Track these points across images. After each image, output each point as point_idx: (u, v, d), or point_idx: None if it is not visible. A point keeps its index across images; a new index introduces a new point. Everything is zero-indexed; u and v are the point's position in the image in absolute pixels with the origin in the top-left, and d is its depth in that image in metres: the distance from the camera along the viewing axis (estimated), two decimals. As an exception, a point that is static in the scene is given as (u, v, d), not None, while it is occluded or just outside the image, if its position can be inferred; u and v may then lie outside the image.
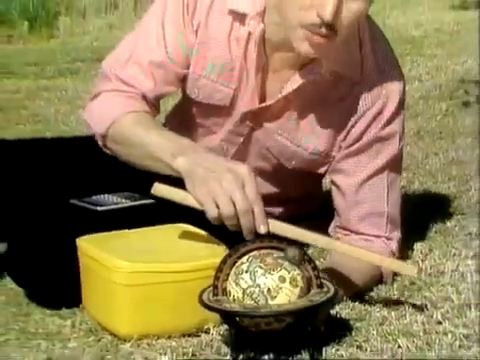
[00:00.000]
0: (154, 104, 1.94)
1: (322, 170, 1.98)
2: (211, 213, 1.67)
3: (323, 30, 1.71)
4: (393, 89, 1.93)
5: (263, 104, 1.90)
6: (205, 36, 1.90)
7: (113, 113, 1.90)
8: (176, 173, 1.75)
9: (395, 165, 1.96)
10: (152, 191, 1.72)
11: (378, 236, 1.94)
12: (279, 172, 1.99)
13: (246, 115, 1.91)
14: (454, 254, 2.06)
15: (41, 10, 5.98)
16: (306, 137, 1.92)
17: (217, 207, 1.67)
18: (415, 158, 2.83)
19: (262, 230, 1.67)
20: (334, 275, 1.70)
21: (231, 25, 1.88)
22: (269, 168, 1.99)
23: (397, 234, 1.96)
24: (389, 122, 1.92)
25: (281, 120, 1.91)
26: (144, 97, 1.91)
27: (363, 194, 1.93)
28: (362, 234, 1.94)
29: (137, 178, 1.86)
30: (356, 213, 1.94)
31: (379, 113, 1.91)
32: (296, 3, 1.72)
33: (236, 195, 1.67)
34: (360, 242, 1.92)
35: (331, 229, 1.99)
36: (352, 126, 1.91)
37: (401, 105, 1.95)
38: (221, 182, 1.68)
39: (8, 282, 1.92)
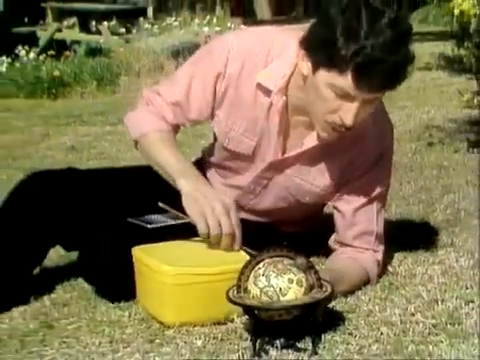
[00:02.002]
0: (174, 128, 1.91)
1: (327, 201, 1.95)
2: (202, 230, 1.72)
3: (342, 129, 1.70)
4: (387, 143, 1.92)
5: (285, 156, 1.85)
6: (235, 97, 1.83)
7: (144, 127, 1.89)
8: (177, 188, 1.78)
9: (383, 196, 1.94)
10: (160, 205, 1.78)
11: (367, 249, 1.91)
12: (294, 204, 1.95)
13: (271, 164, 1.87)
14: (423, 261, 2.05)
15: (106, 72, 5.98)
16: (317, 178, 1.88)
17: (207, 226, 1.71)
18: (392, 186, 2.76)
19: (236, 248, 1.73)
20: (331, 277, 1.68)
21: (256, 92, 1.81)
22: (287, 202, 1.94)
23: (382, 247, 1.94)
24: (381, 166, 1.90)
25: (298, 166, 1.87)
26: (166, 120, 1.89)
27: (358, 217, 1.90)
28: (355, 247, 1.91)
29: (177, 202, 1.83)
30: (351, 232, 1.91)
31: (375, 160, 1.87)
32: (324, 105, 1.68)
33: (223, 220, 1.71)
34: (353, 253, 1.91)
35: (331, 242, 1.96)
36: (354, 168, 1.87)
37: (391, 152, 1.94)
38: (212, 208, 1.71)
39: (80, 282, 1.93)
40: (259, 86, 1.80)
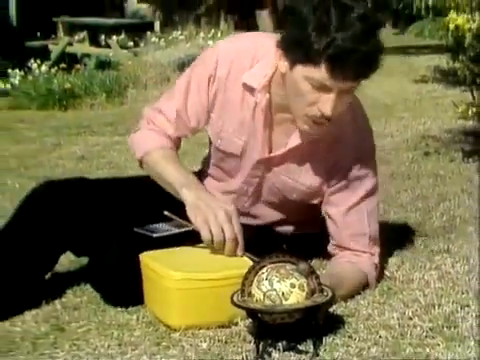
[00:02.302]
0: (175, 141, 1.94)
1: (316, 201, 1.94)
2: (206, 237, 1.73)
3: (322, 120, 1.71)
4: (366, 143, 1.91)
5: (272, 154, 1.87)
6: (224, 99, 1.87)
7: (147, 146, 1.92)
8: (181, 199, 1.79)
9: (371, 196, 1.92)
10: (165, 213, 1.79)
11: (364, 252, 1.91)
12: (285, 203, 1.95)
13: (259, 162, 1.88)
14: (420, 266, 2.04)
15: (115, 84, 5.98)
16: (303, 177, 1.89)
17: (210, 233, 1.72)
18: (390, 194, 2.80)
19: (239, 253, 1.73)
20: (331, 282, 1.68)
21: (243, 93, 1.84)
22: (278, 200, 1.95)
23: (377, 249, 1.93)
24: (363, 166, 1.89)
25: (285, 165, 1.88)
26: (168, 136, 1.92)
27: (349, 219, 1.89)
28: (353, 250, 1.91)
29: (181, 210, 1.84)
30: (345, 233, 1.90)
31: (356, 161, 1.87)
32: (303, 99, 1.70)
33: (225, 226, 1.72)
34: (351, 257, 1.90)
35: (330, 248, 1.96)
36: (337, 169, 1.87)
37: (372, 154, 1.93)
38: (215, 215, 1.73)
39: (90, 286, 1.92)
40: (244, 86, 1.83)
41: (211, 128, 1.91)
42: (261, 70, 1.81)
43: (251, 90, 1.82)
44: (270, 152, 1.87)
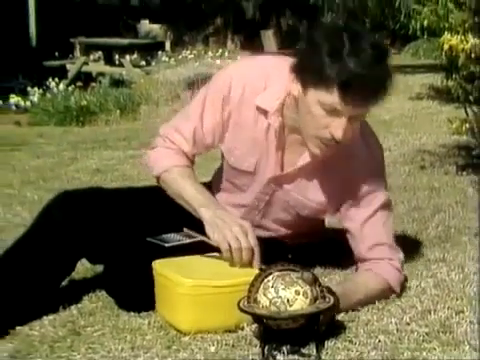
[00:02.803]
0: (191, 158, 1.94)
1: (324, 216, 1.95)
2: (225, 248, 1.73)
3: (332, 143, 1.70)
4: (376, 160, 1.90)
5: (283, 172, 1.86)
6: (238, 120, 1.86)
7: (164, 163, 1.92)
8: (199, 217, 1.80)
9: (385, 209, 1.90)
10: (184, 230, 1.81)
11: (382, 259, 1.87)
12: (295, 218, 1.95)
13: (271, 180, 1.88)
14: (417, 274, 2.04)
15: (128, 101, 5.99)
16: (314, 194, 1.88)
17: (229, 247, 1.72)
18: None
19: (257, 266, 1.72)
20: (344, 288, 1.69)
21: (256, 114, 1.83)
22: (288, 215, 1.95)
23: (398, 255, 1.90)
24: (374, 182, 1.88)
25: (295, 182, 1.87)
26: (184, 153, 1.92)
27: (365, 231, 1.87)
28: (371, 259, 1.87)
29: (192, 222, 1.85)
30: (363, 246, 1.88)
31: (367, 177, 1.86)
32: (315, 122, 1.69)
33: (242, 239, 1.73)
34: (370, 265, 1.87)
35: (355, 260, 1.93)
36: (351, 185, 1.85)
37: (382, 170, 1.93)
38: (232, 230, 1.73)
39: (105, 293, 1.91)
40: (258, 108, 1.82)
41: (225, 146, 1.91)
42: (274, 93, 1.80)
43: (264, 113, 1.82)
44: (282, 170, 1.87)
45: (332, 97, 1.63)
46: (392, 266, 1.88)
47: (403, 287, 1.91)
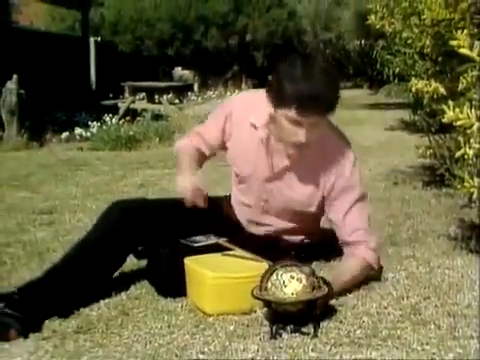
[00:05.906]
0: (206, 155, 2.03)
1: (312, 209, 1.91)
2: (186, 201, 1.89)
3: (301, 145, 1.74)
4: (348, 157, 1.86)
5: (273, 173, 1.89)
6: (237, 134, 1.93)
7: (181, 144, 2.06)
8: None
9: (361, 200, 1.87)
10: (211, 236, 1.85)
11: (360, 242, 1.85)
12: (290, 212, 1.93)
13: (265, 179, 1.90)
14: (393, 268, 2.02)
15: (165, 131, 6.01)
16: (300, 188, 1.88)
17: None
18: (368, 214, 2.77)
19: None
20: (333, 274, 1.70)
21: (251, 129, 1.89)
22: (283, 211, 1.94)
23: (373, 237, 1.88)
24: (349, 176, 1.85)
25: (284, 180, 1.89)
26: (194, 144, 2.03)
27: (346, 221, 1.85)
28: (352, 243, 1.85)
29: (216, 226, 1.87)
30: (345, 232, 1.86)
31: (342, 173, 1.84)
32: (285, 132, 1.75)
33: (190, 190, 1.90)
34: (352, 250, 1.85)
35: (340, 244, 1.90)
36: (326, 181, 1.85)
37: (354, 165, 1.88)
38: (186, 187, 1.93)
39: (147, 282, 1.90)
40: (251, 124, 1.89)
41: (228, 156, 1.98)
42: (262, 113, 1.85)
43: (256, 127, 1.88)
44: (272, 172, 1.89)
45: (291, 112, 1.68)
46: (368, 247, 1.85)
47: (379, 265, 1.89)
